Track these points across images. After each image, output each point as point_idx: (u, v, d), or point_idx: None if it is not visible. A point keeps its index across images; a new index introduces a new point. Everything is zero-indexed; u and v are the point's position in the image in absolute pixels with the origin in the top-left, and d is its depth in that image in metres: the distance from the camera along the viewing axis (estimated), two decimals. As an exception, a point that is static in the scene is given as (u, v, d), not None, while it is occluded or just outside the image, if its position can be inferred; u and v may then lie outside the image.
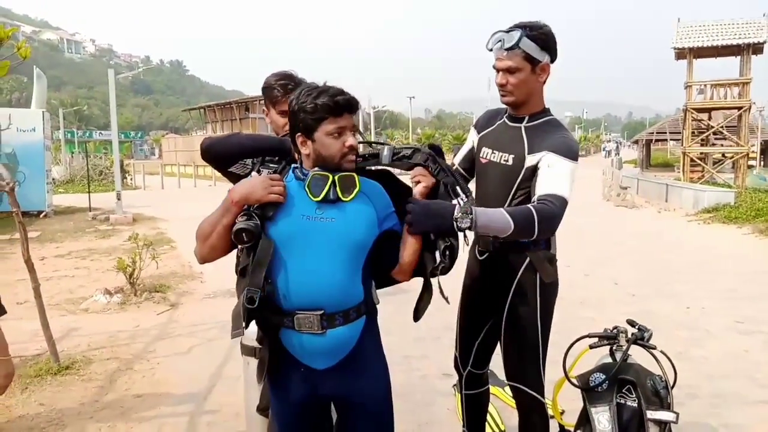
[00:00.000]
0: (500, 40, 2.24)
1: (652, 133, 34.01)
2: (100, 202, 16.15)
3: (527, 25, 2.23)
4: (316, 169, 1.74)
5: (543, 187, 2.12)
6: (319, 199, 1.71)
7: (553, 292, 2.48)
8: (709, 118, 22.49)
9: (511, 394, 3.65)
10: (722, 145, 23.44)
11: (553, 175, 2.13)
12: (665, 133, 32.37)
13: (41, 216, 13.48)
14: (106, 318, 5.85)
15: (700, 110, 21.46)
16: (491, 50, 2.31)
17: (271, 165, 1.87)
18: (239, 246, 1.76)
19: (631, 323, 2.39)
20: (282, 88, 2.38)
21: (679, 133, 25.71)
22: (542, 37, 2.22)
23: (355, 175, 1.76)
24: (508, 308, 2.43)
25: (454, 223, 1.78)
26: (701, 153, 22.19)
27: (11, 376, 2.28)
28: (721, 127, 21.54)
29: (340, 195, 1.72)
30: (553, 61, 2.30)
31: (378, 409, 1.88)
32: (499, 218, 1.90)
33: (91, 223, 13.15)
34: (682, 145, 22.68)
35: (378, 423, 1.88)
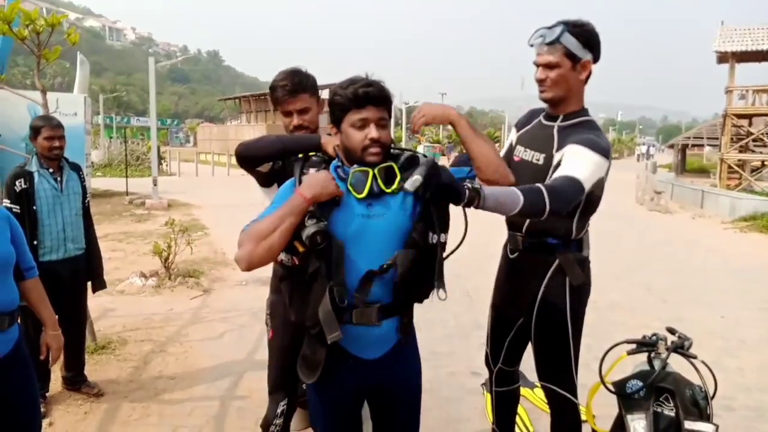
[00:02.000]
0: (542, 36, 2.22)
1: (689, 137, 33.29)
2: (137, 186, 16.47)
3: (570, 21, 2.19)
4: (355, 166, 1.75)
5: (562, 170, 2.09)
6: (363, 195, 1.73)
7: (585, 294, 2.46)
8: (750, 125, 21.90)
9: (540, 396, 3.65)
10: (761, 153, 22.81)
11: (572, 161, 2.10)
12: (702, 138, 31.66)
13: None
14: (141, 300, 5.98)
15: (740, 116, 20.91)
16: (532, 46, 2.27)
17: (314, 163, 1.86)
18: (302, 250, 1.69)
19: (671, 331, 2.36)
20: (282, 89, 2.34)
21: (717, 138, 25.13)
22: (585, 34, 2.18)
23: (394, 165, 1.77)
24: (537, 310, 2.43)
25: (467, 187, 1.73)
26: (739, 160, 21.63)
27: (61, 348, 2.40)
28: (762, 134, 20.96)
29: (383, 188, 1.75)
30: (596, 60, 2.25)
31: (413, 395, 1.97)
32: (507, 192, 1.84)
33: (127, 207, 13.43)
34: (719, 150, 22.14)
35: (412, 409, 1.97)
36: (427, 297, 1.85)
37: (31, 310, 2.39)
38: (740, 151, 21.52)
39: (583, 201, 2.17)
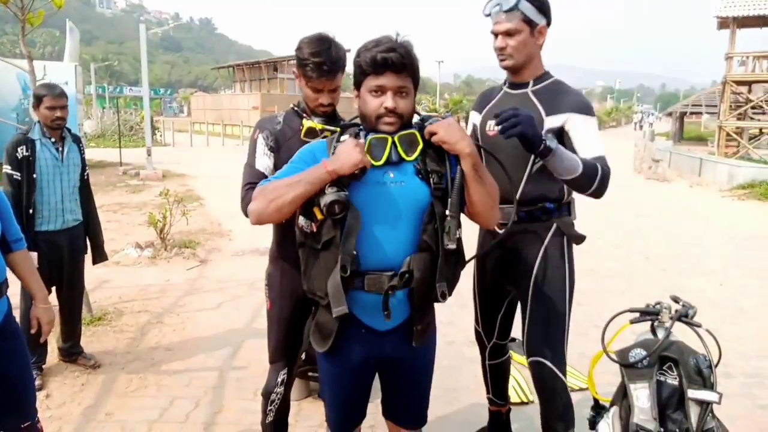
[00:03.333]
0: (498, 4, 2.23)
1: (687, 105, 33.11)
2: (131, 157, 16.33)
3: None
4: (372, 133, 1.70)
5: (585, 150, 2.15)
6: (380, 163, 1.67)
7: (573, 258, 2.44)
8: (749, 92, 21.74)
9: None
10: (759, 120, 22.69)
11: (587, 136, 2.18)
12: (700, 105, 31.50)
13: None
14: (137, 271, 5.94)
15: (740, 83, 20.74)
16: (488, 15, 2.28)
17: (352, 134, 1.76)
18: (320, 217, 1.65)
19: (675, 299, 2.31)
20: (316, 67, 2.12)
21: (715, 106, 24.98)
22: (538, 1, 2.22)
23: (416, 132, 1.70)
24: (534, 276, 2.37)
25: (544, 141, 1.93)
26: (737, 128, 21.52)
27: (52, 322, 2.35)
28: (761, 101, 20.82)
29: (403, 155, 1.69)
30: (549, 25, 2.29)
31: (425, 371, 1.96)
32: (572, 158, 2.03)
33: (121, 178, 13.32)
34: (718, 118, 22.01)
35: (422, 384, 1.96)
36: (444, 298, 1.77)
37: None
38: (739, 119, 21.40)
39: None
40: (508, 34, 2.23)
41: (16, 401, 2.15)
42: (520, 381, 3.54)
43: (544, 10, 2.24)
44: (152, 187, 11.47)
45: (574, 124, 2.19)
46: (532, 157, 2.23)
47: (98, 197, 10.00)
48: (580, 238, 2.38)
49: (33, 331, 2.32)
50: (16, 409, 2.16)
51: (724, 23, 20.17)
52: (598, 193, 2.13)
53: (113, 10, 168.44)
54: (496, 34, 2.27)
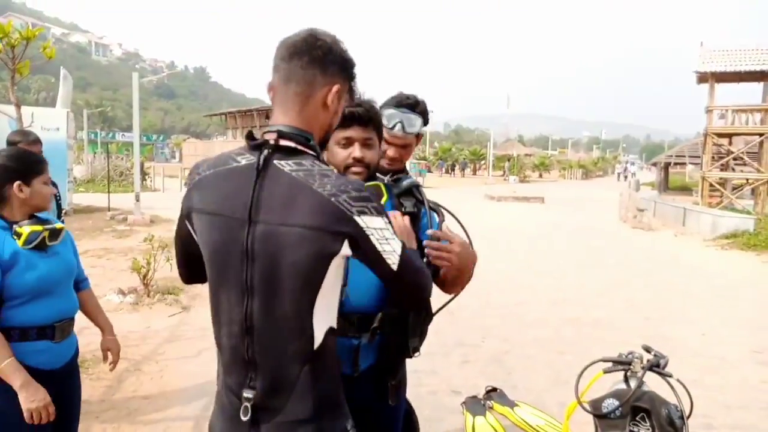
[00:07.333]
0: (400, 121, 2.28)
1: (671, 156, 33.71)
2: (120, 202, 16.29)
3: (415, 104, 2.29)
4: None
5: None
6: None
7: None
8: (730, 143, 22.21)
9: (520, 415, 3.63)
10: (742, 171, 23.15)
11: None
12: (684, 156, 32.05)
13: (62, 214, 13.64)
14: (118, 317, 5.86)
15: (720, 135, 21.22)
16: (393, 128, 2.30)
17: None
18: None
19: (647, 349, 2.33)
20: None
21: (699, 157, 25.46)
22: (427, 117, 2.40)
23: (381, 185, 1.80)
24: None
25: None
26: (720, 178, 21.92)
27: (119, 353, 2.55)
28: (742, 152, 21.28)
29: None
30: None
31: (393, 420, 1.93)
32: None
33: (109, 223, 13.26)
34: (701, 169, 22.42)
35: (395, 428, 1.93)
36: (416, 352, 1.85)
37: None
38: (721, 170, 21.80)
39: None
40: (403, 147, 2.34)
41: None
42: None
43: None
44: (139, 233, 11.42)
45: None
46: None
47: (84, 242, 10.04)
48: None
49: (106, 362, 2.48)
50: None
51: (703, 78, 20.78)
52: None
53: (109, 58, 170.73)
54: (390, 143, 2.36)
